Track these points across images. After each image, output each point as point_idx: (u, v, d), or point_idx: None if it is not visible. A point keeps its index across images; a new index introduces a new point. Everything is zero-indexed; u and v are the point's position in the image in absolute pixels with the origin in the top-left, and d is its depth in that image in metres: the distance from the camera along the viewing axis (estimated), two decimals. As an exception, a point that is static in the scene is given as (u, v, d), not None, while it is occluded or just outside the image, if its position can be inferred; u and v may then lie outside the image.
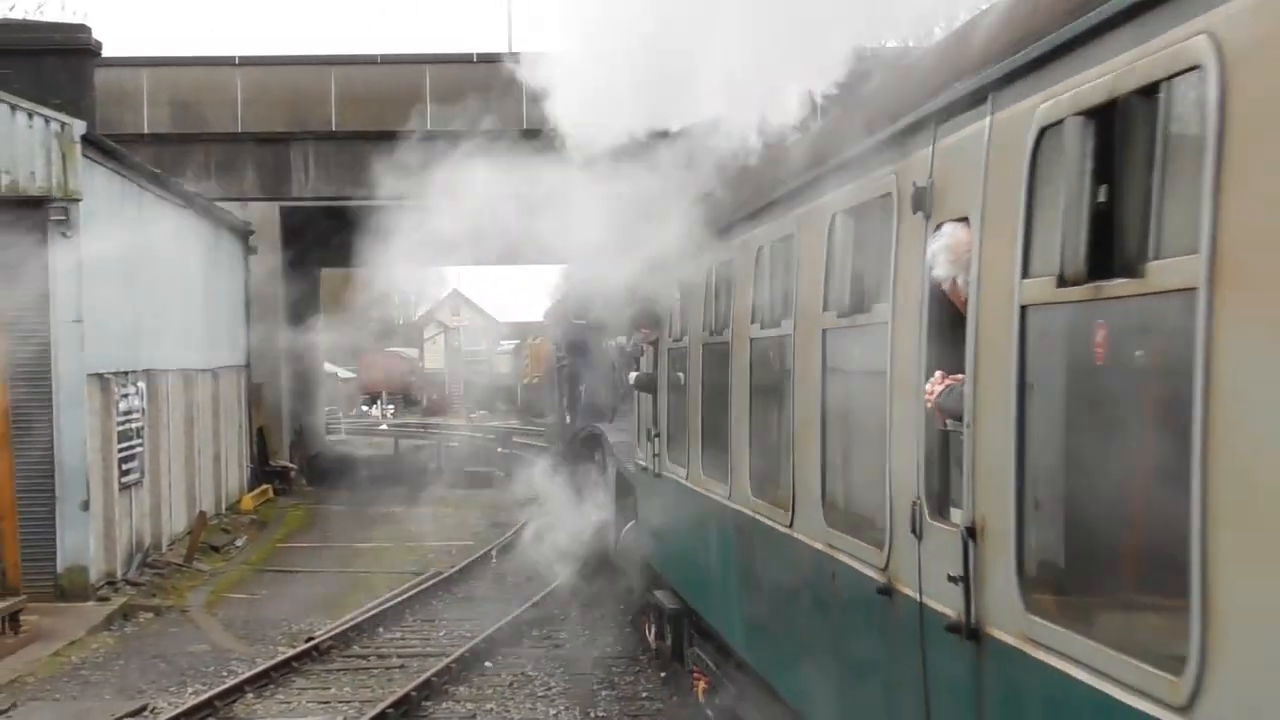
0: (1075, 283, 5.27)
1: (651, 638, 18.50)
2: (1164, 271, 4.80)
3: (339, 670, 19.91)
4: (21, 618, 21.54)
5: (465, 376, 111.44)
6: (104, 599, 24.36)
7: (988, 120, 6.30)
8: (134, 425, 27.39)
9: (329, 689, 18.88)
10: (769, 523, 10.27)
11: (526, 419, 73.13)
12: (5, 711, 17.32)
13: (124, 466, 26.52)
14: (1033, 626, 5.74)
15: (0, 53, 27.23)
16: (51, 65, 31.38)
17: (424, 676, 18.59)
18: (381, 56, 45.26)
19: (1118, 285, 5.02)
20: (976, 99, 6.42)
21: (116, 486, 25.99)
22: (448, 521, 37.09)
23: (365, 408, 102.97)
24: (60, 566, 24.10)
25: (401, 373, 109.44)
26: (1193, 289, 4.56)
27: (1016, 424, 5.93)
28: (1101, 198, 5.10)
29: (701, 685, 14.42)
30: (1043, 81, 5.74)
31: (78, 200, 24.17)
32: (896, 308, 7.38)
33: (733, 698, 12.64)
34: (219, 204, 38.05)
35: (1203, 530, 4.47)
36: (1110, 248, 5.06)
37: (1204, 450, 4.48)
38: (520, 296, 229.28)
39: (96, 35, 31.67)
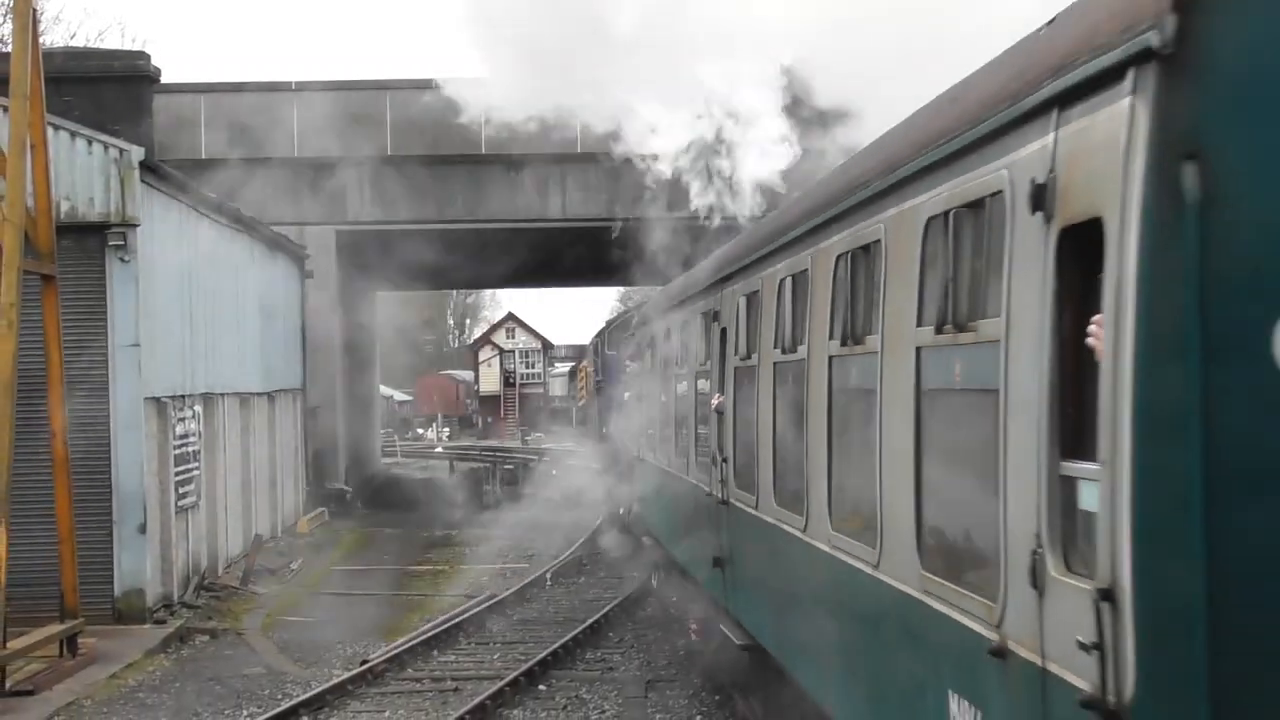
0: (743, 357, 14.07)
1: (654, 584, 25.31)
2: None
3: (393, 693, 19.90)
4: (79, 640, 21.62)
5: (520, 399, 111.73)
6: (160, 622, 24.47)
7: (738, 284, 14.60)
8: (190, 449, 27.52)
9: (383, 712, 18.86)
10: (678, 474, 19.27)
11: (581, 440, 73.09)
12: (63, 734, 17.42)
13: (180, 490, 26.63)
14: (737, 494, 14.36)
15: (62, 80, 27.35)
16: (111, 92, 31.57)
17: (478, 699, 18.55)
18: (436, 80, 45.39)
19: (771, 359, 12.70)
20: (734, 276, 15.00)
21: (173, 510, 26.10)
22: (502, 544, 37.13)
23: (421, 430, 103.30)
24: (117, 589, 24.23)
25: (457, 395, 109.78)
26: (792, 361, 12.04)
27: (733, 418, 14.80)
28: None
29: (673, 600, 22.63)
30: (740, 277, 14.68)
31: (136, 225, 24.33)
32: (704, 367, 17.08)
33: (680, 595, 21.44)
34: (275, 228, 38.25)
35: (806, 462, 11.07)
36: (778, 341, 12.36)
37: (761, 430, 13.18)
38: (574, 319, 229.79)
39: (155, 62, 31.90)
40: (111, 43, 54.08)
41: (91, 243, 24.14)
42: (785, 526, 11.81)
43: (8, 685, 19.41)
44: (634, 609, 25.95)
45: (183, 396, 27.18)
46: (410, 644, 22.46)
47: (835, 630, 10.41)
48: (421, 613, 26.38)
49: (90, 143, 24.38)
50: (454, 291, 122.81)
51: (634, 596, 26.67)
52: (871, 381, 8.86)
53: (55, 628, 21.26)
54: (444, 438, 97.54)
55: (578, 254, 45.31)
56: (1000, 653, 6.62)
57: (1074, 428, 5.97)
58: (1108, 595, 5.49)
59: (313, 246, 42.55)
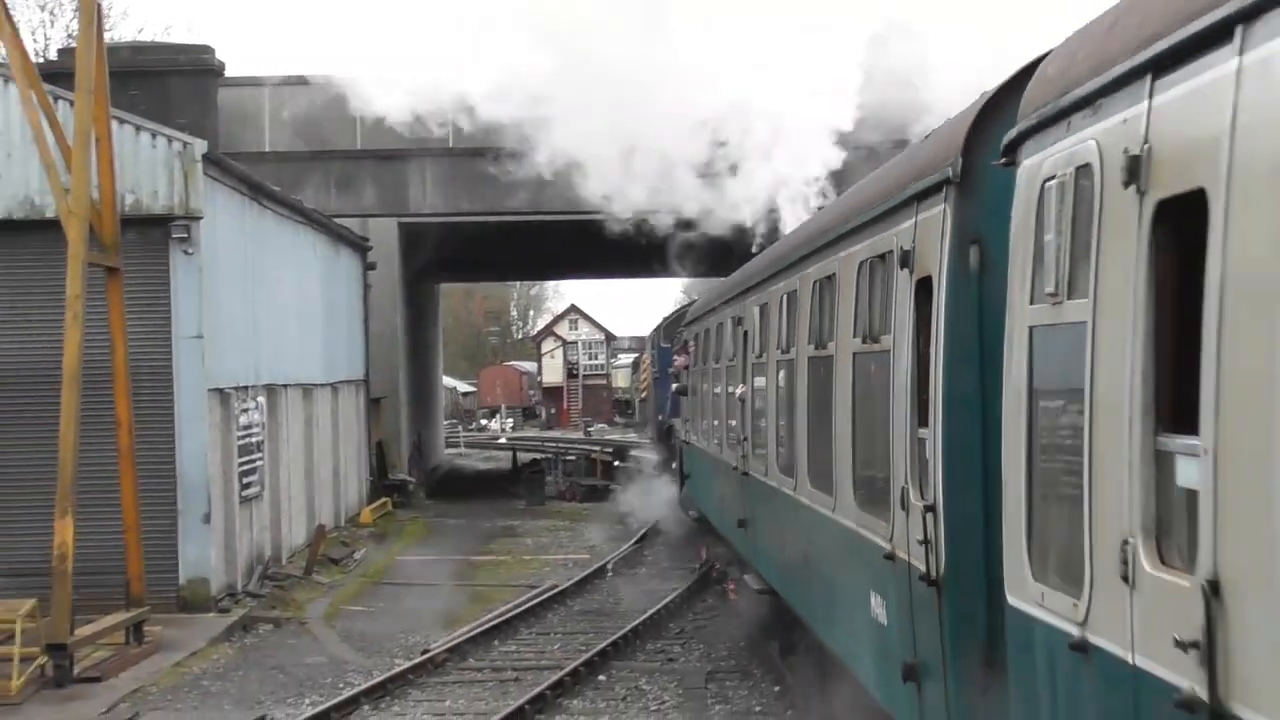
0: (758, 355, 17.48)
1: (703, 555, 28.08)
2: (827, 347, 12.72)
3: (454, 683, 20.03)
4: (145, 628, 21.86)
5: (583, 390, 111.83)
6: (224, 610, 24.70)
7: (754, 297, 17.93)
8: (254, 439, 27.76)
9: (444, 701, 18.99)
10: (715, 454, 22.39)
11: (644, 432, 73.12)
12: (128, 720, 17.63)
13: (244, 480, 26.87)
14: (754, 466, 17.75)
15: (128, 74, 27.66)
16: (177, 86, 31.86)
17: (538, 689, 18.64)
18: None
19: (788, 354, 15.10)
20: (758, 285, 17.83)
21: (237, 500, 26.34)
22: (564, 535, 37.28)
23: (484, 421, 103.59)
24: (182, 578, 24.47)
25: (520, 386, 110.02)
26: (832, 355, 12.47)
27: (751, 405, 18.09)
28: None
29: (715, 566, 26.19)
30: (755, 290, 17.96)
31: (199, 218, 24.55)
32: (733, 363, 20.17)
33: (723, 560, 24.62)
34: (338, 220, 38.48)
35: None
36: (786, 344, 15.17)
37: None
38: (638, 310, 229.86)
39: (220, 56, 32.16)
40: (177, 38, 54.56)
41: (155, 235, 24.38)
42: (783, 489, 15.12)
43: (75, 671, 19.67)
44: (694, 600, 25.98)
45: (246, 388, 27.41)
46: (471, 634, 22.58)
47: (811, 562, 13.78)
48: (483, 603, 26.49)
49: (154, 136, 24.61)
50: (517, 283, 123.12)
51: (694, 587, 26.71)
52: (830, 377, 12.26)
53: (121, 616, 21.52)
54: (507, 429, 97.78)
55: (639, 246, 45.22)
56: (891, 557, 9.83)
57: (924, 407, 9.15)
58: (931, 509, 8.87)
59: (375, 238, 42.77)
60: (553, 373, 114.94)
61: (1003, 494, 7.21)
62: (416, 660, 20.80)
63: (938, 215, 8.87)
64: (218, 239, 25.60)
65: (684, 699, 18.77)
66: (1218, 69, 4.96)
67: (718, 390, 22.27)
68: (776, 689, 18.47)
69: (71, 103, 21.82)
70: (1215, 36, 4.97)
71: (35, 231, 24.02)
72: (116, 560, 22.31)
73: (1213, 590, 4.83)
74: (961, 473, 8.60)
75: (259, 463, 28.11)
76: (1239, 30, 4.81)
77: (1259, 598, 4.58)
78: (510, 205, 43.53)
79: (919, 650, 9.32)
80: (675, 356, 34.44)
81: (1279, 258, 4.50)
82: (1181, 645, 4.99)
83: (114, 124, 22.71)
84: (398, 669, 20.28)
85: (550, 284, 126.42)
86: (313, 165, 42.52)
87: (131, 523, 22.18)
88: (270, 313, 29.75)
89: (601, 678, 20.11)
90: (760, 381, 17.40)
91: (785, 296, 15.14)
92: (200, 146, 24.74)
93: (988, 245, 8.36)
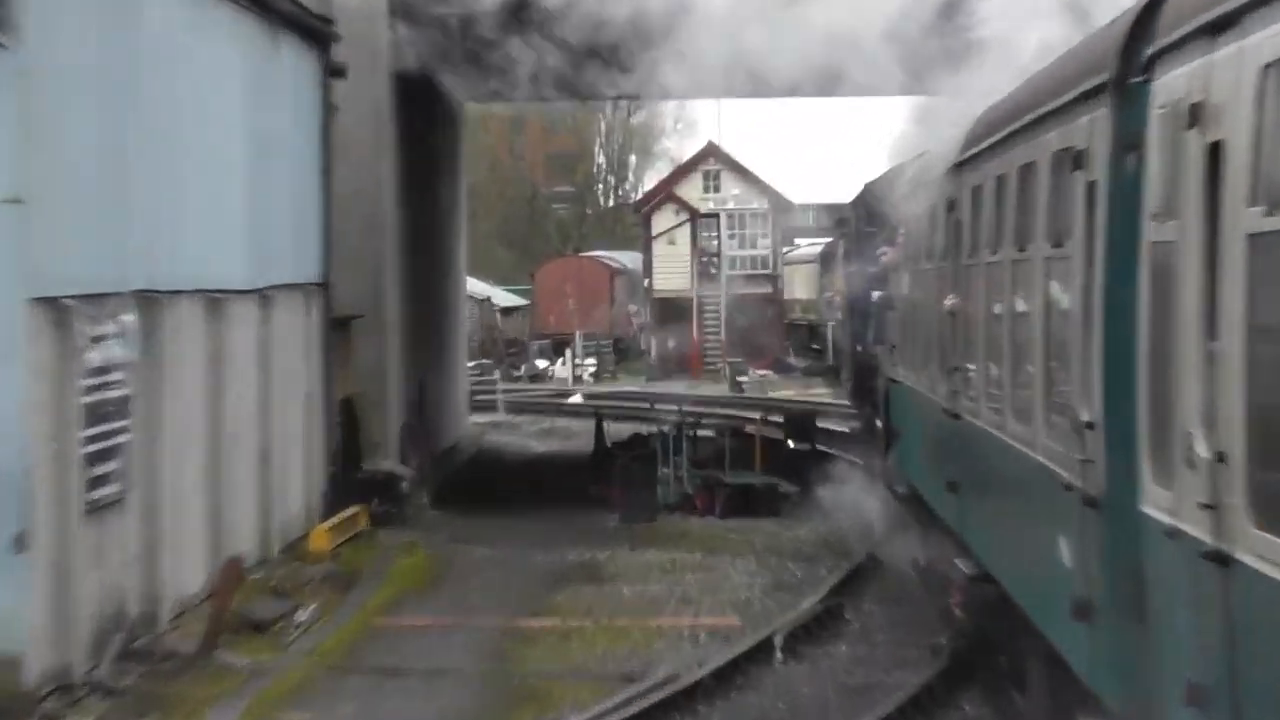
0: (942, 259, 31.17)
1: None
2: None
3: None
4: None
5: (731, 304, 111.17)
6: (51, 719, 24.63)
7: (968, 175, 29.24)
8: (114, 394, 27.65)
9: None
10: (930, 396, 30.54)
11: (839, 387, 72.55)
12: None
13: (94, 470, 26.77)
14: (963, 402, 28.85)
15: None
16: None
17: None
18: None
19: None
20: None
21: (79, 507, 26.23)
22: (690, 578, 37.20)
23: (542, 362, 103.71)
24: (-32, 655, 24.46)
25: (610, 296, 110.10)
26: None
27: (916, 315, 35.06)
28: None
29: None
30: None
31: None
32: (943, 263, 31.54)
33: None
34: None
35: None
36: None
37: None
38: (825, 167, 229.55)
39: None
40: None
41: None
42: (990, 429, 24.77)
43: None
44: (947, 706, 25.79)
45: (102, 296, 27.28)
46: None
47: (910, 413, 32.70)
48: (535, 709, 26.38)
49: None
50: (608, 106, 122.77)
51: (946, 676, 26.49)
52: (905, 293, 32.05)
53: None
54: (585, 377, 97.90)
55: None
56: (930, 401, 28.63)
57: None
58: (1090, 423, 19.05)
59: (346, 20, 42.68)
60: (673, 271, 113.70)
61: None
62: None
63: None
64: (60, 28, 25.56)
65: None
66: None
67: (928, 301, 31.20)
68: None
69: None
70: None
71: None
72: None
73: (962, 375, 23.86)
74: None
75: (122, 439, 28.04)
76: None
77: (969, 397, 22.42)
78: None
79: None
80: (884, 248, 38.14)
81: None
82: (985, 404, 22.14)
83: None
84: None
85: (667, 108, 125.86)
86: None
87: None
88: (150, 158, 29.64)
89: None
90: (974, 290, 24.85)
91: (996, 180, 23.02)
92: None
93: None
